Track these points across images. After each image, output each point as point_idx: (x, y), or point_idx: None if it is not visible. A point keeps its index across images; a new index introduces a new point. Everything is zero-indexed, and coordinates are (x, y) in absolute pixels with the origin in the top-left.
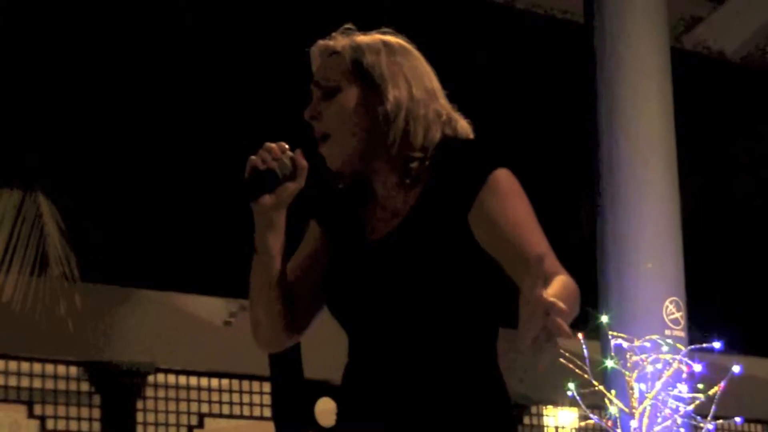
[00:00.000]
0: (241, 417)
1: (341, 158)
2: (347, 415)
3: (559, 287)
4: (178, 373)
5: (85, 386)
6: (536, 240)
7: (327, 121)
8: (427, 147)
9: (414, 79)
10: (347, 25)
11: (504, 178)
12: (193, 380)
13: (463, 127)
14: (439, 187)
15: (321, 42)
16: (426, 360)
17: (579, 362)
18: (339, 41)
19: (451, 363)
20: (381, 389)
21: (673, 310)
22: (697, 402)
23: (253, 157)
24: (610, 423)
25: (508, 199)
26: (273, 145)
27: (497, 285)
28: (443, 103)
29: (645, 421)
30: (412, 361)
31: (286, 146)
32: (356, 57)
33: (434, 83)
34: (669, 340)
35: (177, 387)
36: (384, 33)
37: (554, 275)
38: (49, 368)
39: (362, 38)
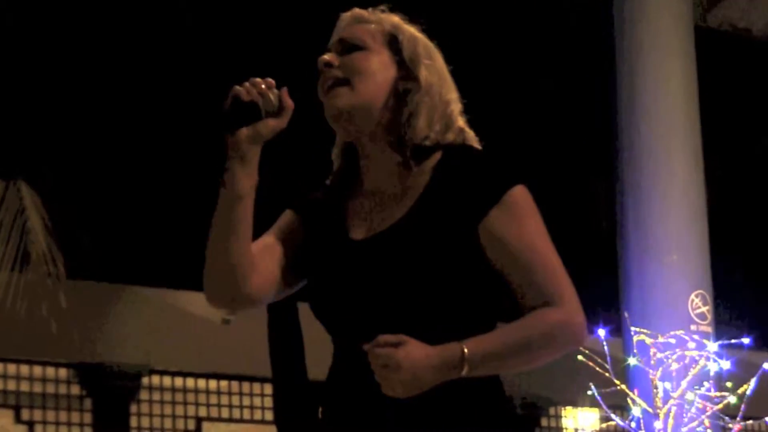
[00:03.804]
0: (242, 421)
1: (352, 103)
2: (331, 420)
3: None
4: (174, 374)
5: (75, 389)
6: (548, 267)
7: (347, 68)
8: (438, 144)
9: (444, 80)
10: (382, 7)
11: (520, 197)
12: (190, 382)
13: (471, 140)
14: (449, 191)
15: (357, 9)
16: None
17: (600, 360)
18: (376, 14)
19: None
20: (366, 394)
21: (699, 305)
22: (726, 401)
23: (237, 87)
24: (632, 424)
25: (522, 221)
26: (259, 79)
27: (497, 287)
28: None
29: (670, 422)
30: None
31: (273, 82)
32: (393, 31)
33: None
34: (695, 336)
35: (173, 389)
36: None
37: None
38: (37, 370)
39: (401, 21)
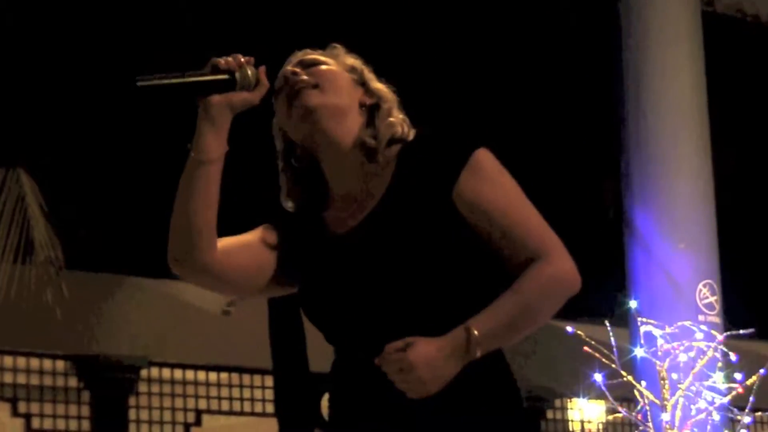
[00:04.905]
0: (242, 413)
1: (323, 102)
2: (340, 416)
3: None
4: (173, 366)
5: (73, 382)
6: (529, 221)
7: (315, 75)
8: (397, 141)
9: (393, 101)
10: (333, 45)
11: (485, 158)
12: (190, 374)
13: None
14: (415, 170)
15: (308, 50)
16: None
17: (606, 351)
18: (332, 51)
19: None
20: (374, 387)
21: (707, 294)
22: (734, 393)
23: (217, 58)
24: (639, 416)
25: (494, 181)
26: (240, 55)
27: (493, 265)
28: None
29: (678, 413)
30: None
31: (252, 60)
32: (350, 62)
33: None
34: (703, 326)
35: (172, 382)
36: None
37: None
38: (35, 363)
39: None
